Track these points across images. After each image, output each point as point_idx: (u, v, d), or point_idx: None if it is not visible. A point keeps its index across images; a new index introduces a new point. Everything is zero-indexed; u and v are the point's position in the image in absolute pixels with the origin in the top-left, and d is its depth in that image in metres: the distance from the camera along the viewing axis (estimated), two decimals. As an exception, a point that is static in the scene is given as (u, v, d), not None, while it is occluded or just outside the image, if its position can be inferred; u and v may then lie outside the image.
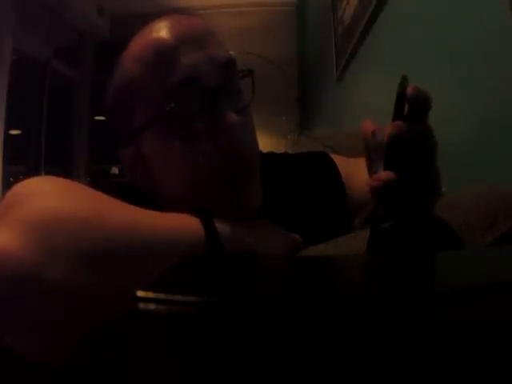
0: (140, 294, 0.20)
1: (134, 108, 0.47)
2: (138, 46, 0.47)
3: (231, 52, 0.51)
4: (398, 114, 0.38)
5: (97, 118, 3.71)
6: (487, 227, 0.38)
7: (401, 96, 0.38)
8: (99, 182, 3.41)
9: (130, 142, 0.48)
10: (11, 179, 2.74)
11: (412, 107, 0.38)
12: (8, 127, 2.75)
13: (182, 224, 0.40)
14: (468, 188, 0.51)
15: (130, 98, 0.47)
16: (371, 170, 0.40)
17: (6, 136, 2.70)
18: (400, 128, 0.37)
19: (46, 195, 0.36)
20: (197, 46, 0.45)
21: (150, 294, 0.20)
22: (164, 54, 0.45)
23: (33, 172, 3.13)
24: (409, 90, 0.37)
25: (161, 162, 0.47)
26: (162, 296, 0.20)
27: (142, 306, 0.19)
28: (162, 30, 0.46)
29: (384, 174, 0.37)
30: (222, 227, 0.41)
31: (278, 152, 0.67)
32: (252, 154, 0.48)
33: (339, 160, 0.62)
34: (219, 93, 0.45)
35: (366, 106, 1.50)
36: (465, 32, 0.80)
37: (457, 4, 0.83)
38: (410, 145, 0.37)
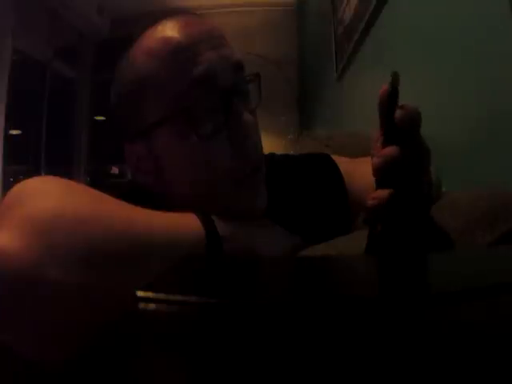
0: (140, 293, 0.20)
1: (147, 104, 0.46)
2: (152, 42, 0.47)
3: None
4: (388, 122, 0.36)
5: (97, 117, 3.71)
6: (487, 227, 0.38)
7: (392, 97, 0.36)
8: (99, 181, 3.41)
9: (139, 138, 0.48)
10: (11, 179, 2.74)
11: (401, 128, 0.36)
12: (8, 127, 2.75)
13: (182, 223, 0.40)
14: (468, 188, 0.51)
15: (142, 94, 0.46)
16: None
17: (6, 136, 2.70)
18: (390, 157, 0.36)
19: (46, 195, 0.36)
20: (211, 45, 0.46)
21: (150, 294, 0.20)
22: (181, 52, 0.45)
23: (33, 172, 3.13)
24: (397, 114, 0.36)
25: (173, 159, 0.47)
26: (162, 296, 0.20)
27: (142, 305, 0.19)
28: (176, 28, 0.46)
29: (379, 193, 0.36)
30: (222, 226, 0.41)
31: (279, 153, 0.67)
32: (261, 155, 0.49)
33: (340, 161, 0.62)
34: (234, 92, 0.46)
35: (366, 106, 1.50)
36: (465, 32, 0.80)
37: (457, 4, 0.83)
38: (403, 166, 0.36)
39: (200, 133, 0.44)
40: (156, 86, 0.46)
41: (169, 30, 0.46)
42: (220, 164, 0.45)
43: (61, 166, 3.52)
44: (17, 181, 0.38)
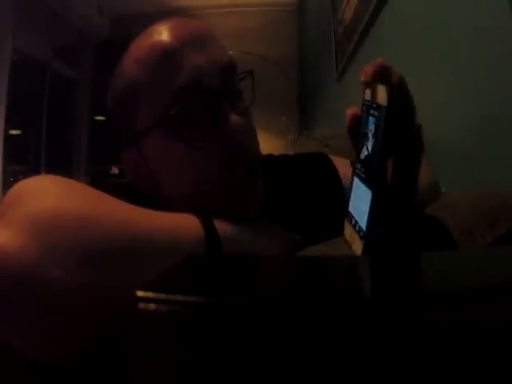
0: (140, 293, 0.20)
1: (137, 111, 0.47)
2: (140, 49, 0.47)
3: (231, 52, 0.51)
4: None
5: (97, 117, 3.71)
6: (487, 227, 0.38)
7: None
8: (99, 181, 3.41)
9: (132, 145, 0.48)
10: (11, 179, 2.74)
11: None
12: (8, 127, 2.74)
13: (182, 224, 0.40)
14: (468, 188, 0.51)
15: (132, 102, 0.47)
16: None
17: (6, 136, 2.70)
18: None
19: (46, 194, 0.36)
20: (199, 48, 0.45)
21: (150, 294, 0.20)
22: (167, 58, 0.45)
23: (33, 172, 3.13)
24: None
25: (164, 164, 0.47)
26: (162, 296, 0.20)
27: (142, 305, 0.19)
28: (163, 33, 0.46)
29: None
30: (221, 227, 0.41)
31: (277, 154, 0.67)
32: (254, 155, 0.48)
33: (337, 161, 0.62)
34: (222, 95, 0.45)
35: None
36: (465, 32, 0.80)
37: (457, 4, 0.83)
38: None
39: (186, 138, 0.44)
40: (143, 94, 0.46)
41: (155, 35, 0.46)
42: (209, 168, 0.45)
43: (61, 166, 3.51)
44: (17, 180, 0.38)
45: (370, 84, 0.38)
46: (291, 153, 0.82)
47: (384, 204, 0.36)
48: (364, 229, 0.36)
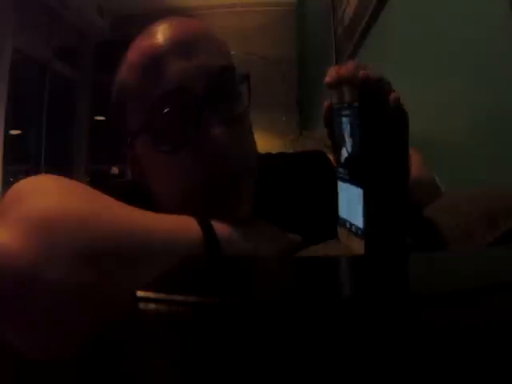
0: (140, 294, 0.20)
1: (128, 113, 0.47)
2: (131, 50, 0.47)
3: (232, 52, 0.50)
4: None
5: (97, 117, 3.71)
6: (487, 227, 0.38)
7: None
8: (99, 181, 3.42)
9: (126, 145, 0.49)
10: (11, 179, 2.74)
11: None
12: (8, 127, 2.75)
13: (181, 225, 0.40)
14: (468, 188, 0.51)
15: (124, 103, 0.47)
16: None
17: (6, 136, 2.70)
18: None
19: (46, 194, 0.36)
20: (187, 53, 0.44)
21: (150, 294, 0.20)
22: (152, 62, 0.44)
23: (33, 172, 3.13)
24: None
25: (150, 166, 0.48)
26: (162, 296, 0.20)
27: (142, 305, 0.19)
28: (154, 36, 0.45)
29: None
30: (219, 228, 0.41)
31: (275, 152, 0.67)
32: (240, 165, 0.46)
33: None
34: (206, 103, 0.43)
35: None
36: (465, 32, 0.80)
37: (457, 4, 0.83)
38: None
39: (167, 144, 0.44)
40: (131, 96, 0.46)
41: (146, 38, 0.46)
42: (189, 176, 0.45)
43: (61, 166, 3.52)
44: (17, 180, 0.38)
45: (335, 86, 0.38)
46: (289, 151, 0.82)
47: (377, 198, 0.36)
48: (361, 227, 0.36)
